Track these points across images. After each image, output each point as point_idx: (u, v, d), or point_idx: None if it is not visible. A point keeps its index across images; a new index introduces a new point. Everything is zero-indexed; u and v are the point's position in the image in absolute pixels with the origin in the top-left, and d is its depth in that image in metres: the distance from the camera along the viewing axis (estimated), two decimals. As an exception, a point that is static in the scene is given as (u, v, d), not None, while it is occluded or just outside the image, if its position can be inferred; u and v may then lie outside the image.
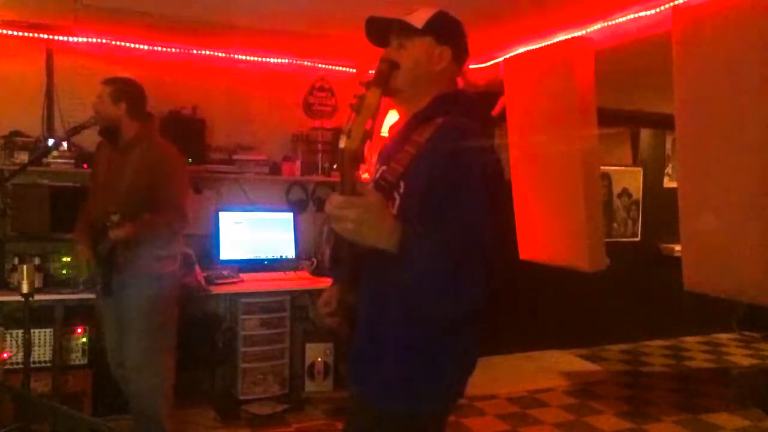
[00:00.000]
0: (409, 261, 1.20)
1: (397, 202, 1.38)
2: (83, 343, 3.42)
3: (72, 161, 3.55)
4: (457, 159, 1.31)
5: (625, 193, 5.85)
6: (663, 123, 4.78)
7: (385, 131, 2.60)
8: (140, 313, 2.80)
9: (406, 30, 1.47)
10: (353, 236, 1.17)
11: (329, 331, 1.99)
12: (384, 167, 1.44)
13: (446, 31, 1.50)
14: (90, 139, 3.30)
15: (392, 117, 2.94)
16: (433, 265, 1.20)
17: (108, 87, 2.84)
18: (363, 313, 1.47)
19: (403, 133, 1.47)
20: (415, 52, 1.46)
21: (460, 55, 1.52)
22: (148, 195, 2.75)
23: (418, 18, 1.47)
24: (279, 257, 4.17)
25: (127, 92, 2.85)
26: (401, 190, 1.37)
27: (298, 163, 4.23)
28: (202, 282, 3.61)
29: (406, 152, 1.39)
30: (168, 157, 2.88)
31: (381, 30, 1.52)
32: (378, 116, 1.19)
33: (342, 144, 1.11)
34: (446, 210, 1.28)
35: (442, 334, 1.40)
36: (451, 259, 1.20)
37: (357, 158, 1.11)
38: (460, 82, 1.60)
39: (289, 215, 4.28)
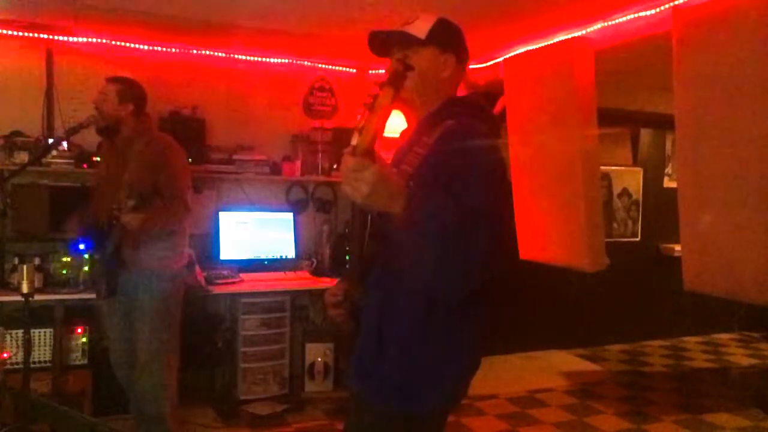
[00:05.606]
0: (416, 219, 1.15)
1: None
2: (83, 343, 3.42)
3: (72, 161, 3.55)
4: (462, 153, 1.32)
5: (625, 193, 5.85)
6: (663, 123, 4.77)
7: (391, 133, 2.58)
8: (151, 312, 2.80)
9: (409, 41, 1.48)
10: (367, 199, 1.11)
11: (333, 326, 1.99)
12: (395, 169, 1.45)
13: (448, 38, 1.52)
14: (90, 139, 3.30)
15: (396, 119, 2.95)
16: (439, 230, 1.15)
17: (114, 86, 2.83)
18: (369, 314, 1.47)
19: (414, 136, 1.49)
20: (421, 63, 1.47)
21: (463, 60, 1.56)
22: (151, 187, 2.73)
23: (420, 28, 1.48)
24: (279, 257, 4.17)
25: (135, 94, 2.86)
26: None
27: (299, 163, 4.23)
28: (202, 282, 3.60)
29: (416, 153, 1.40)
30: (169, 149, 2.88)
31: (384, 42, 1.53)
32: (388, 116, 1.19)
33: (354, 141, 1.12)
34: (450, 190, 1.25)
35: (446, 335, 1.40)
36: (454, 235, 1.16)
37: (368, 154, 1.11)
38: (461, 84, 1.61)
39: (289, 215, 4.28)
